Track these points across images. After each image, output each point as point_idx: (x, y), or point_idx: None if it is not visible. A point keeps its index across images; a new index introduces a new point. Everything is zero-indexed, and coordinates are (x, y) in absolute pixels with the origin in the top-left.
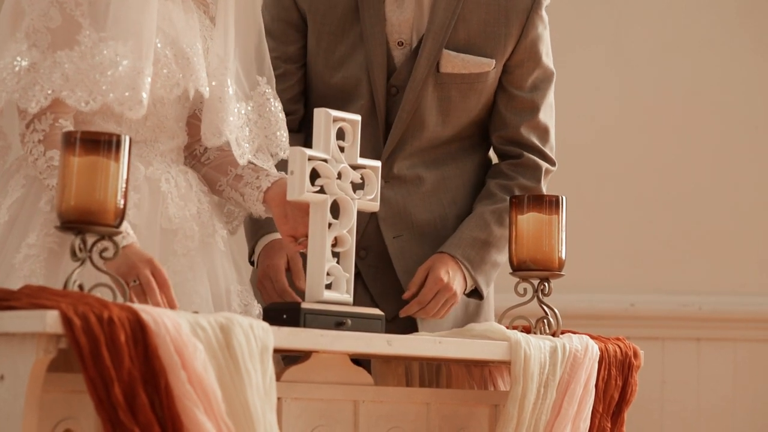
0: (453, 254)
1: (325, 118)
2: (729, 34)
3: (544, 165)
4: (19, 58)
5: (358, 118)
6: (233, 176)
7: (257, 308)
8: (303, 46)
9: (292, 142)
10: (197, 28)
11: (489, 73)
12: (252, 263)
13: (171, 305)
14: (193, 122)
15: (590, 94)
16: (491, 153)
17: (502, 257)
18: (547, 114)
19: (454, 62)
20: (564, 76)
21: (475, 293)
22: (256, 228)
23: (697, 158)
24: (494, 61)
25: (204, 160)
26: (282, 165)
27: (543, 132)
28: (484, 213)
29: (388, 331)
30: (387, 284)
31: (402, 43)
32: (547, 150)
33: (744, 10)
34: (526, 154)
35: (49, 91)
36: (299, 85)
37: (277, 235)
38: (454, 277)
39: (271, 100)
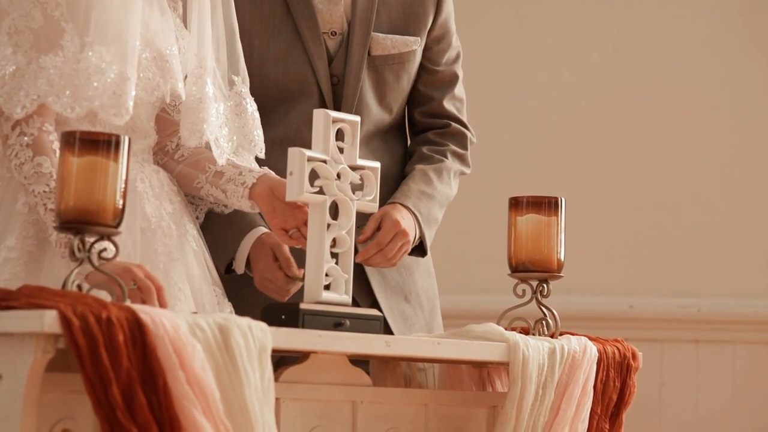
0: (405, 204)
1: (324, 119)
2: (731, 35)
3: (468, 134)
4: (3, 62)
5: (357, 119)
6: (213, 173)
7: (228, 306)
8: None
9: None
10: (173, 28)
11: (416, 51)
12: (230, 271)
13: (163, 308)
14: (162, 116)
15: (590, 96)
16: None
17: (441, 214)
18: (461, 85)
19: (384, 44)
20: (564, 78)
21: (419, 250)
22: (234, 236)
23: (697, 160)
24: (419, 39)
25: (177, 157)
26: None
27: (460, 103)
28: (427, 170)
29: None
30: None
31: (335, 33)
32: (465, 120)
33: (745, 11)
34: (452, 123)
35: (35, 97)
36: None
37: (256, 235)
38: (408, 224)
39: (247, 99)
